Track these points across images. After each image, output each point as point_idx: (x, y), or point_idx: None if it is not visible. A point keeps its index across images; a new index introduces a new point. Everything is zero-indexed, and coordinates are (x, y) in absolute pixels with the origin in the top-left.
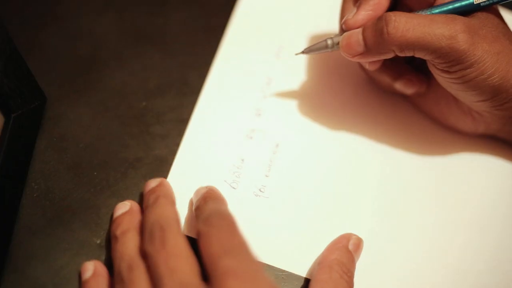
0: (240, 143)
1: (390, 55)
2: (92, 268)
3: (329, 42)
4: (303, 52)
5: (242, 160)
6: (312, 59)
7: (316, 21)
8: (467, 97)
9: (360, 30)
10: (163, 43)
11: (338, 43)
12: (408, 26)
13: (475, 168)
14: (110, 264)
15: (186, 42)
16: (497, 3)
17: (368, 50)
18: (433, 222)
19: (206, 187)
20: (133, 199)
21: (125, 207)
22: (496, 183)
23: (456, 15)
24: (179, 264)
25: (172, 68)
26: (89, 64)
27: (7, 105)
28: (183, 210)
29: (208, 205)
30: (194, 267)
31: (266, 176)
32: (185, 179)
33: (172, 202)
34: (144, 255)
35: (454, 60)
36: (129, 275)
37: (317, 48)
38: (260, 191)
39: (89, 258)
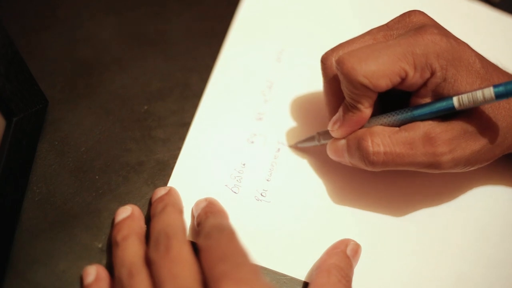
0: (241, 147)
1: None
2: (94, 273)
3: (316, 137)
4: (295, 145)
5: (243, 164)
6: (314, 64)
7: (316, 24)
8: None
9: (345, 144)
10: (164, 46)
11: (325, 139)
12: (387, 158)
13: (476, 172)
14: (111, 268)
15: (187, 45)
16: (479, 105)
17: (352, 165)
18: (433, 226)
19: (206, 199)
20: (135, 203)
21: (126, 211)
22: (497, 186)
23: (436, 130)
24: (181, 271)
25: (174, 71)
26: (91, 67)
27: (9, 109)
28: (185, 215)
29: (209, 221)
30: (196, 274)
31: (267, 180)
32: (186, 184)
33: (180, 211)
34: (148, 262)
35: (440, 171)
36: (129, 281)
37: (306, 141)
38: (262, 195)
39: (90, 262)
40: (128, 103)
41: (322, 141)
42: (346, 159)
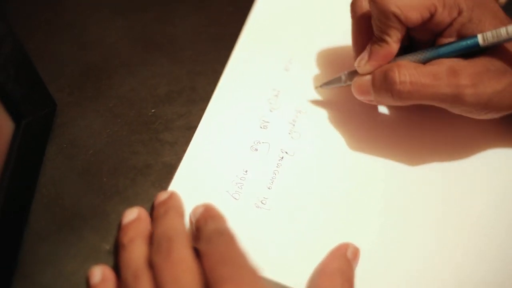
0: (244, 154)
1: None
2: (100, 273)
3: (343, 77)
4: (321, 86)
5: (246, 171)
6: (320, 74)
7: (327, 34)
8: None
9: (370, 78)
10: (172, 50)
11: (351, 79)
12: (413, 88)
13: (479, 170)
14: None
15: (195, 49)
16: (502, 42)
17: (376, 100)
18: (435, 228)
19: (203, 205)
20: (142, 206)
21: (133, 214)
22: (501, 184)
23: (460, 64)
24: (183, 274)
25: (181, 75)
26: (99, 71)
27: (18, 112)
28: (187, 219)
29: (208, 226)
30: (197, 277)
31: (269, 188)
32: (187, 188)
33: (181, 215)
34: (151, 265)
35: (462, 107)
36: (135, 283)
37: (332, 82)
38: (262, 203)
39: (98, 264)
40: (136, 107)
41: (348, 82)
42: (371, 95)
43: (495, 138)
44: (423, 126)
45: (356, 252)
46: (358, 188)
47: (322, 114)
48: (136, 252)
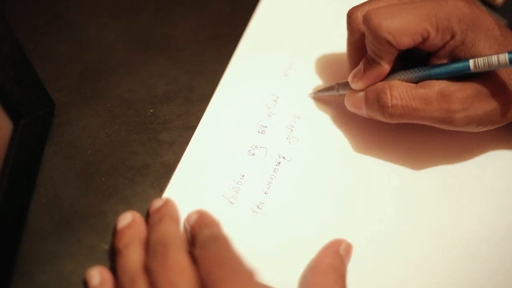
0: (241, 158)
1: None
2: (98, 275)
3: (336, 87)
4: (315, 93)
5: (242, 176)
6: (319, 81)
7: (328, 42)
8: None
9: (363, 96)
10: (170, 50)
11: (344, 89)
12: (404, 111)
13: (478, 173)
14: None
15: (193, 50)
16: (493, 69)
17: (368, 116)
18: (431, 230)
19: (197, 211)
20: (140, 206)
21: (126, 219)
22: (502, 188)
23: (451, 89)
24: (179, 278)
25: (179, 75)
26: (97, 71)
27: (17, 112)
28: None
29: (203, 232)
30: (193, 281)
31: (265, 193)
32: (184, 192)
33: (176, 221)
34: (147, 270)
35: (453, 128)
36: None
37: (326, 90)
38: (258, 207)
39: (97, 264)
40: (134, 107)
41: (341, 91)
42: (363, 111)
43: (497, 142)
44: (421, 131)
45: (348, 248)
46: (355, 194)
47: (320, 120)
48: (131, 257)
